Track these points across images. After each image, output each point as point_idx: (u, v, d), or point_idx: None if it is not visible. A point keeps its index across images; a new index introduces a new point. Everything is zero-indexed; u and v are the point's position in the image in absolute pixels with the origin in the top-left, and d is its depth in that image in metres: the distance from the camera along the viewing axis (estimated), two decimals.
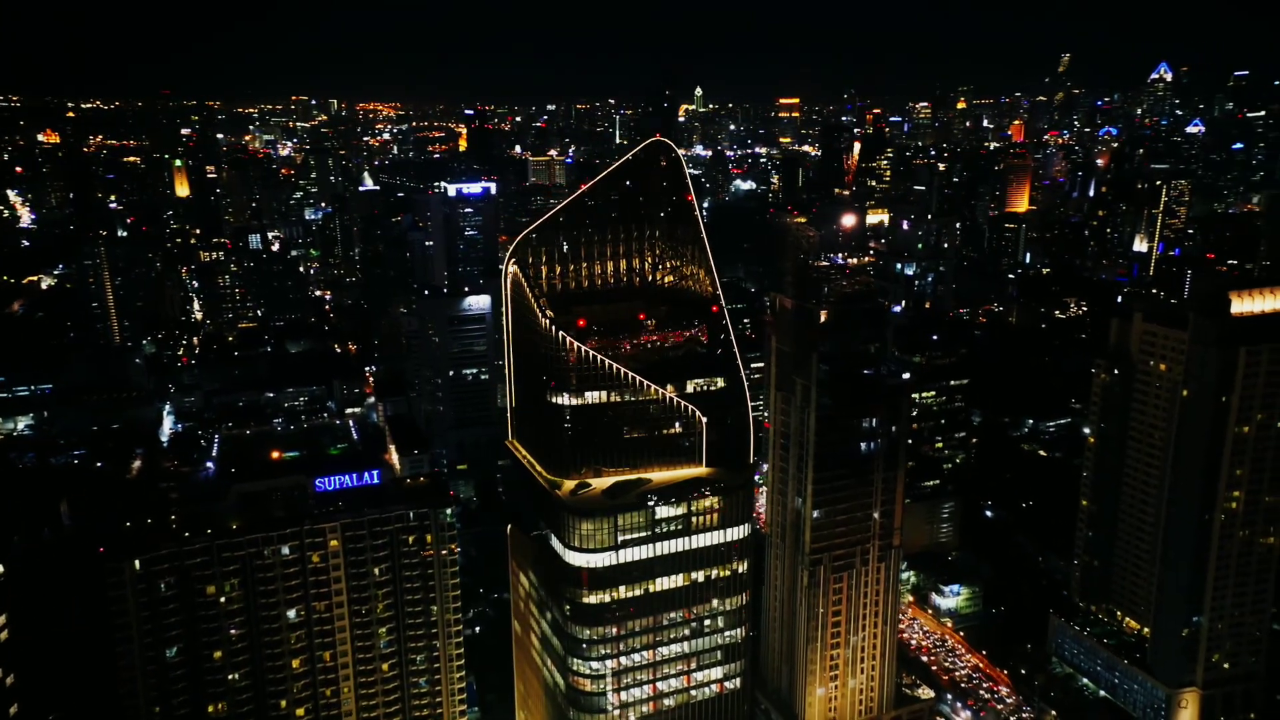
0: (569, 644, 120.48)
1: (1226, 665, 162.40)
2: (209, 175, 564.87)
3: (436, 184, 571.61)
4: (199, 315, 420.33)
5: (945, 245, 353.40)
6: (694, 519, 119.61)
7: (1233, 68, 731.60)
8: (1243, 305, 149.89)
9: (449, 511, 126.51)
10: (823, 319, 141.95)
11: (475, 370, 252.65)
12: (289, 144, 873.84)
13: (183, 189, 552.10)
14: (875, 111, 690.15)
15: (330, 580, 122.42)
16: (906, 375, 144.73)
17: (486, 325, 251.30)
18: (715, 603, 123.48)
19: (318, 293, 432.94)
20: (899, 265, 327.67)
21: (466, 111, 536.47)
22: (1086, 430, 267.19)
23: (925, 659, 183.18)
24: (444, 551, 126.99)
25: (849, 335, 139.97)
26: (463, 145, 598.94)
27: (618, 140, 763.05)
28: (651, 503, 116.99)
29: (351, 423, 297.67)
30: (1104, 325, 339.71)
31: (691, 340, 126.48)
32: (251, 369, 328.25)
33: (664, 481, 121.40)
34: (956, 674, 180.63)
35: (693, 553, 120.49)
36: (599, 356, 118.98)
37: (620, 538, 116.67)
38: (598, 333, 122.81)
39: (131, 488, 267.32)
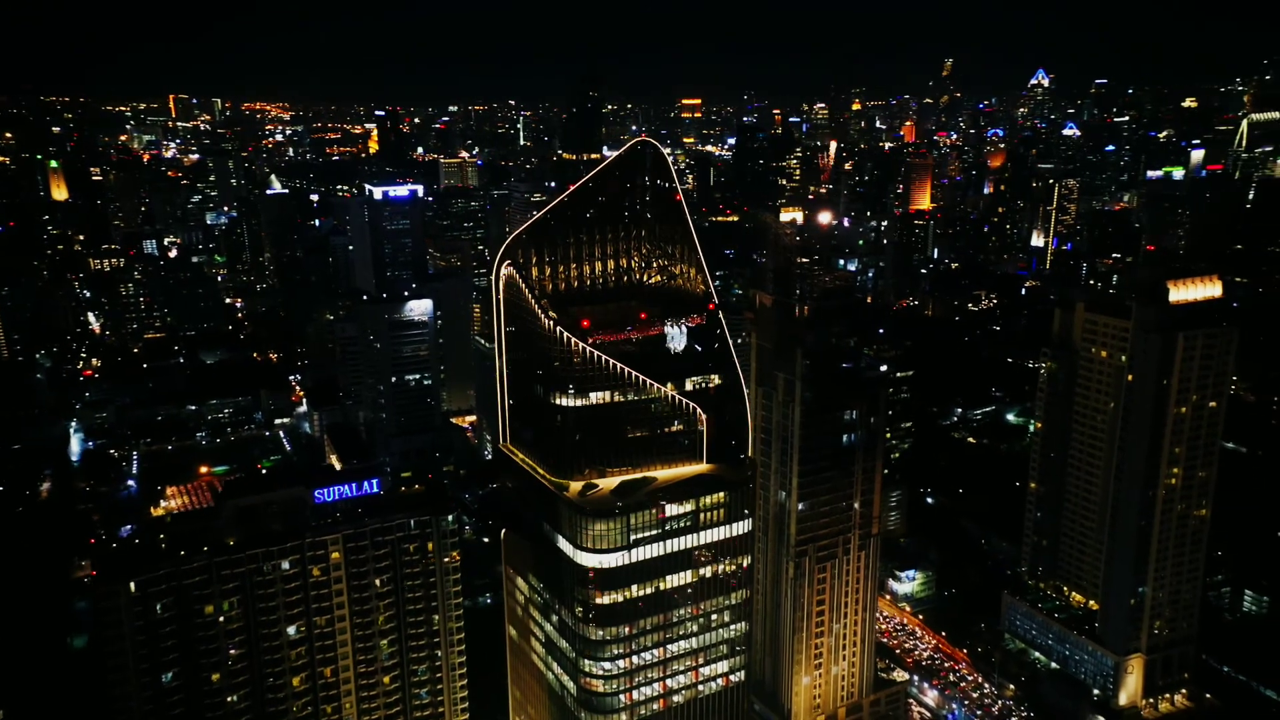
0: (581, 646, 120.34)
1: (1166, 631, 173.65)
2: (94, 177, 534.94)
3: (341, 187, 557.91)
4: (95, 327, 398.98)
5: (885, 241, 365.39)
6: (702, 515, 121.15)
7: (1094, 76, 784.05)
8: (1179, 294, 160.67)
9: (450, 518, 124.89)
10: (800, 315, 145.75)
11: (418, 376, 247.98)
12: (173, 145, 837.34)
13: (60, 192, 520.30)
14: (778, 112, 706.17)
15: (332, 594, 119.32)
16: (883, 367, 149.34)
17: (428, 330, 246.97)
18: (721, 597, 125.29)
19: (227, 300, 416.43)
20: (840, 261, 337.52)
21: (377, 112, 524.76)
22: (1010, 417, 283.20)
23: (888, 642, 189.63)
24: (446, 559, 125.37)
25: (829, 330, 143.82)
26: (373, 147, 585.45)
27: (522, 142, 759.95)
28: (670, 501, 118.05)
29: (282, 434, 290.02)
30: (1014, 316, 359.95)
31: (688, 338, 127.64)
32: (166, 381, 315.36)
33: (669, 479, 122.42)
34: (919, 655, 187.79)
35: (701, 549, 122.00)
36: (603, 357, 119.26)
37: (632, 537, 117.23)
38: (598, 333, 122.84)
39: (45, 511, 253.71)
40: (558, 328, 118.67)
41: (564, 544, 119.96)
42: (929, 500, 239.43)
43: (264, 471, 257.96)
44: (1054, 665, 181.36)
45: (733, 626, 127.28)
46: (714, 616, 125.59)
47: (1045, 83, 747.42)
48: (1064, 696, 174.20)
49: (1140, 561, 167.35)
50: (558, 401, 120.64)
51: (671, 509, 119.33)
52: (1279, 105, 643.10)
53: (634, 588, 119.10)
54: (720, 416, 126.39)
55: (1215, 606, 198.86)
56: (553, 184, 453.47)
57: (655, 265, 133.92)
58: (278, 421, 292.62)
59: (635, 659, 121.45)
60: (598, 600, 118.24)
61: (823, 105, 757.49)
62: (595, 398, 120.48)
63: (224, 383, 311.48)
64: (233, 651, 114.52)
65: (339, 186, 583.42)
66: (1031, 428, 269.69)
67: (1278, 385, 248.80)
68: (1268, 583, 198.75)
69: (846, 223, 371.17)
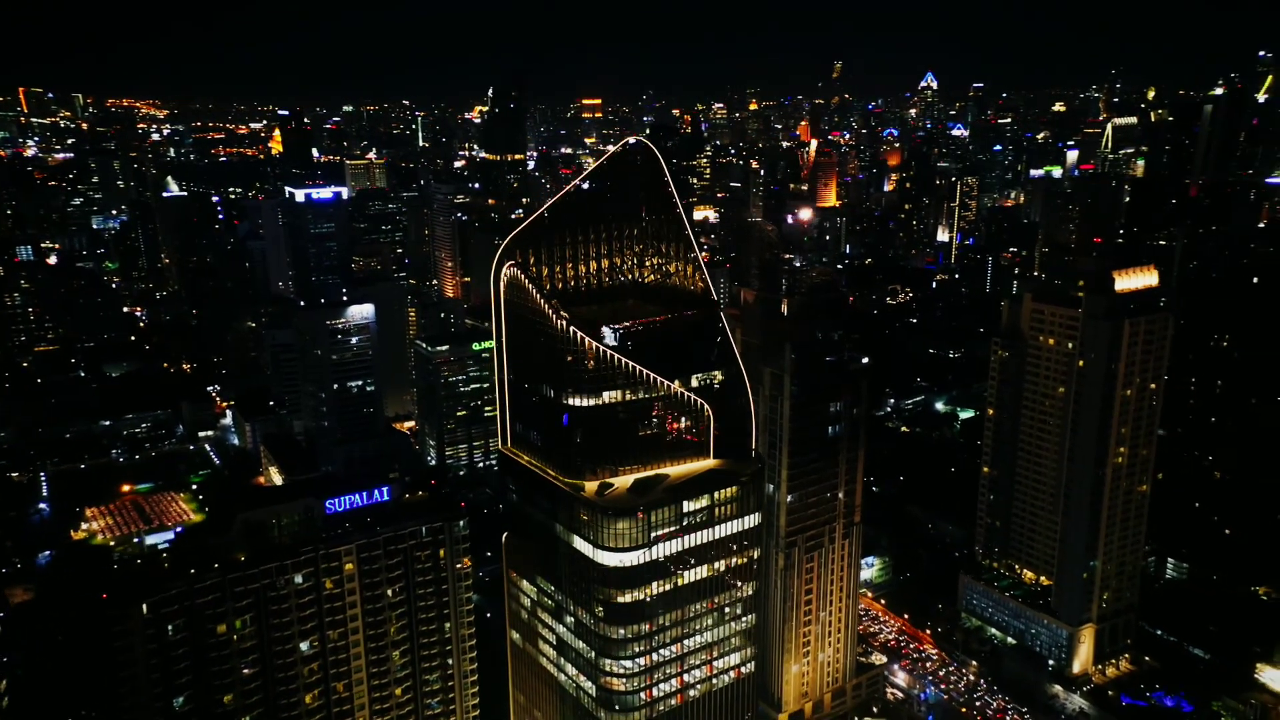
0: (601, 645, 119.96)
1: (1113, 601, 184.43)
2: None
3: (235, 189, 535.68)
4: None
5: (826, 238, 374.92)
6: (717, 509, 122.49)
7: (971, 79, 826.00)
8: (1123, 283, 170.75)
9: (462, 523, 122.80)
10: (784, 310, 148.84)
11: (360, 382, 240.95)
12: (32, 143, 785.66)
13: None
14: (679, 110, 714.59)
15: (345, 606, 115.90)
16: (865, 360, 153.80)
17: (371, 335, 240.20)
18: (734, 590, 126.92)
19: (125, 309, 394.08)
20: (787, 256, 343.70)
21: (280, 112, 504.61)
22: (939, 405, 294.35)
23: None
24: (458, 565, 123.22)
25: (815, 324, 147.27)
26: (275, 148, 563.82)
27: (421, 143, 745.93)
28: (687, 497, 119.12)
29: (208, 447, 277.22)
30: (929, 309, 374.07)
31: (692, 334, 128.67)
32: (71, 397, 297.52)
33: (681, 475, 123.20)
34: (885, 638, 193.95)
35: (716, 543, 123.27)
36: (616, 356, 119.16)
37: (652, 534, 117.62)
38: (603, 331, 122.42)
39: None
40: (571, 328, 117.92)
41: (581, 544, 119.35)
42: (874, 489, 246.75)
43: (195, 487, 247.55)
44: (1010, 640, 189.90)
45: (744, 619, 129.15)
46: (727, 610, 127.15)
47: (934, 85, 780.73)
48: (1024, 669, 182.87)
49: (1092, 537, 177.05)
50: (571, 402, 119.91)
51: (688, 505, 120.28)
52: (1133, 111, 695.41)
53: (654, 585, 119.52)
54: (725, 411, 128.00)
55: (1145, 575, 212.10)
56: (476, 185, 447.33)
57: (651, 263, 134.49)
58: (201, 434, 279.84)
59: (654, 656, 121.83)
60: (619, 599, 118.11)
61: (721, 105, 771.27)
62: (608, 397, 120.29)
63: (135, 396, 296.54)
64: (245, 671, 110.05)
65: (232, 189, 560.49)
66: (960, 415, 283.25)
67: (1192, 369, 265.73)
68: (1187, 551, 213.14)
69: (791, 220, 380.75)
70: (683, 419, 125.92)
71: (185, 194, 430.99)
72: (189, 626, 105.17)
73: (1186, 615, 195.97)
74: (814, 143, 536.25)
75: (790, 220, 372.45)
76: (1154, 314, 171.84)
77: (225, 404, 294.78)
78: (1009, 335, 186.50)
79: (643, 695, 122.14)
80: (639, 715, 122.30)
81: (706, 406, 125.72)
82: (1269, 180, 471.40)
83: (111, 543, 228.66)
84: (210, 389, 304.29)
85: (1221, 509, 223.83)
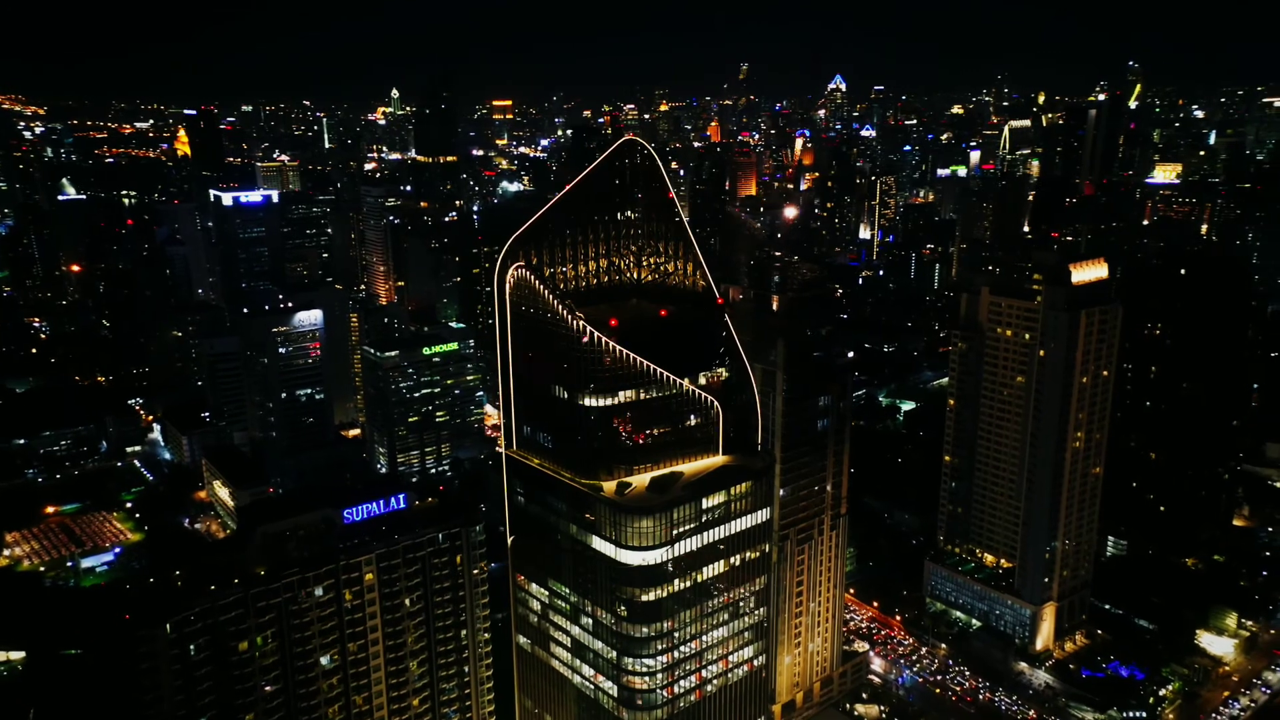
0: (622, 644, 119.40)
1: (1071, 579, 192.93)
2: None
3: (128, 192, 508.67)
4: None
5: (779, 236, 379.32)
6: (732, 505, 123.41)
7: (872, 83, 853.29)
8: (1079, 275, 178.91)
9: (479, 528, 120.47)
10: (775, 306, 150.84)
11: (309, 390, 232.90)
12: None
13: None
14: (593, 113, 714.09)
15: (365, 617, 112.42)
16: (851, 354, 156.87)
17: (321, 342, 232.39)
18: (747, 585, 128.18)
19: (24, 319, 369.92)
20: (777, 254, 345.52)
21: (187, 112, 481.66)
22: (881, 398, 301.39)
23: None
24: (475, 571, 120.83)
25: (805, 320, 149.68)
26: (181, 149, 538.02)
27: (328, 145, 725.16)
28: (705, 493, 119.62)
29: (137, 462, 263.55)
30: (859, 304, 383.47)
31: (698, 332, 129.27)
32: None
33: (695, 473, 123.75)
34: (856, 626, 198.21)
35: (732, 538, 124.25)
36: (631, 355, 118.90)
37: (674, 531, 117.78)
38: (619, 331, 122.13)
39: None
40: (587, 328, 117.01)
41: (601, 545, 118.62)
42: None
43: (129, 505, 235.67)
44: (975, 622, 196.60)
45: (756, 612, 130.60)
46: (741, 604, 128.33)
47: (843, 87, 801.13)
48: (990, 648, 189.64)
49: (1052, 518, 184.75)
50: (586, 402, 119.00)
51: (706, 501, 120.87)
52: (1025, 114, 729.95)
53: (676, 582, 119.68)
54: (732, 407, 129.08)
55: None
56: (408, 188, 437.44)
57: (649, 262, 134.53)
58: (129, 450, 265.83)
59: (675, 653, 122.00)
60: (642, 598, 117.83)
61: (631, 106, 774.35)
62: (624, 396, 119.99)
63: (48, 412, 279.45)
64: (267, 688, 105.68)
65: (127, 192, 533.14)
66: (902, 407, 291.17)
67: (1128, 357, 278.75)
68: (1125, 528, 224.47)
69: (745, 217, 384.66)
70: (693, 416, 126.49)
71: (84, 197, 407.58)
72: (211, 645, 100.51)
73: (1130, 589, 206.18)
74: (800, 141, 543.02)
75: (743, 217, 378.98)
76: (1106, 305, 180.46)
77: (151, 417, 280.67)
78: (967, 328, 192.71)
79: (664, 693, 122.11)
80: (661, 713, 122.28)
81: (715, 403, 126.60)
82: (1148, 180, 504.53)
83: (41, 568, 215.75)
84: (133, 402, 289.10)
85: (1156, 488, 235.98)
